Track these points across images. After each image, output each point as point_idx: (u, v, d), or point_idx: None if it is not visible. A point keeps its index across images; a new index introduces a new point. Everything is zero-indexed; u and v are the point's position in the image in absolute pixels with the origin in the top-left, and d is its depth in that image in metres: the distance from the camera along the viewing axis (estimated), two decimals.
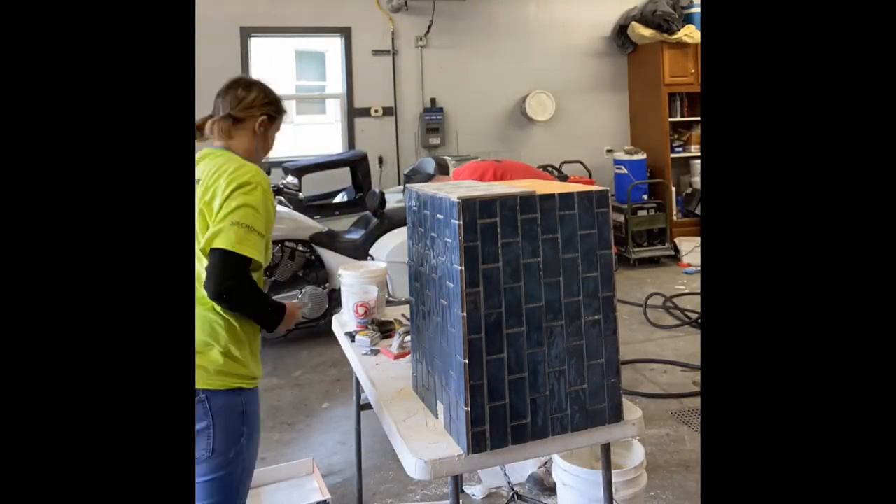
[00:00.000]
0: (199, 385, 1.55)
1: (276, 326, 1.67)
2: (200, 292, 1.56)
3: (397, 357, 2.04)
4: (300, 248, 4.39)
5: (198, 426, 1.55)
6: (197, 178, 1.63)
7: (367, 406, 2.14)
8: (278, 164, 5.36)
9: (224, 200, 1.56)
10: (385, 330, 2.17)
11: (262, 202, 1.59)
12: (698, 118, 6.30)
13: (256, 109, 1.74)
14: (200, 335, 1.58)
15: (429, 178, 4.44)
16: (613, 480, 1.80)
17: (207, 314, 1.59)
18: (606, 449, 1.70)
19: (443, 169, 4.63)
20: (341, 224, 4.92)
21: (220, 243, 1.52)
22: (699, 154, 6.34)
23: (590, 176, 6.50)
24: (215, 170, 1.62)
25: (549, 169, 6.45)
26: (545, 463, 2.58)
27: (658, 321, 4.59)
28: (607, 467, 1.71)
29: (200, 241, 1.57)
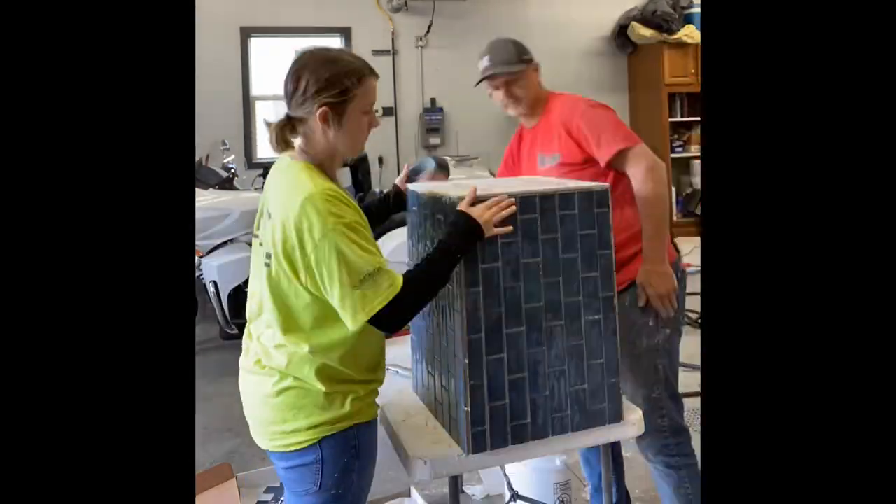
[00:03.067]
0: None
1: (468, 249, 1.37)
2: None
3: None
4: None
5: (307, 459, 1.40)
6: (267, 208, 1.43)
7: None
8: None
9: (315, 262, 1.31)
10: None
11: (346, 237, 1.31)
12: (698, 118, 6.29)
13: (310, 102, 1.39)
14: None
15: (431, 175, 4.42)
16: None
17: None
18: (607, 449, 1.69)
19: (443, 169, 4.62)
20: None
21: (361, 317, 1.30)
22: (699, 154, 6.34)
23: None
24: (279, 205, 1.38)
25: None
26: None
27: None
28: (607, 467, 1.71)
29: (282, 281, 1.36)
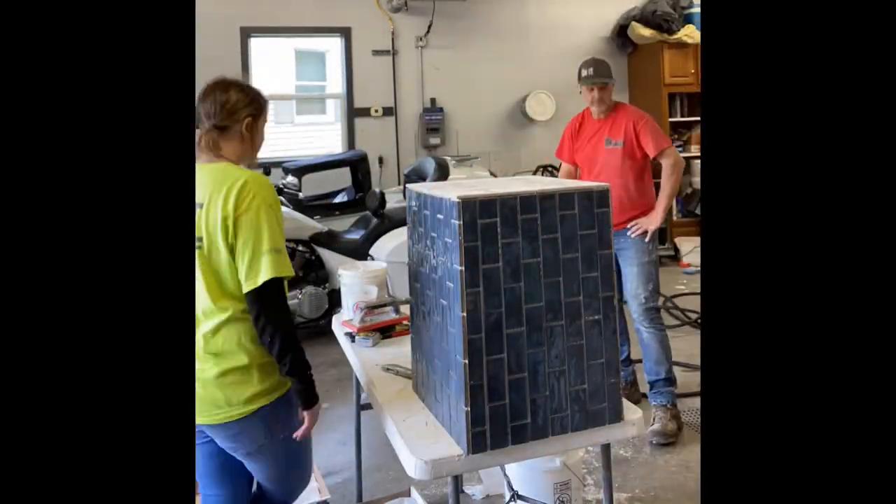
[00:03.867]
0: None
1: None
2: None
3: (360, 331, 2.08)
4: (300, 248, 4.38)
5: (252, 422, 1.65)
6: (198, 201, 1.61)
7: (367, 406, 2.14)
8: (278, 164, 5.35)
9: (242, 229, 1.57)
10: (384, 328, 2.17)
11: (275, 214, 1.61)
12: (698, 118, 6.30)
13: (240, 113, 1.70)
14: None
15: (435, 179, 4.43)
16: None
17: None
18: (606, 449, 1.70)
19: (442, 171, 4.63)
20: (341, 224, 4.92)
21: (263, 276, 1.55)
22: (699, 154, 6.33)
23: None
24: (216, 191, 1.61)
25: (550, 169, 6.46)
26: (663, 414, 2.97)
27: None
28: (607, 467, 1.71)
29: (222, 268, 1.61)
